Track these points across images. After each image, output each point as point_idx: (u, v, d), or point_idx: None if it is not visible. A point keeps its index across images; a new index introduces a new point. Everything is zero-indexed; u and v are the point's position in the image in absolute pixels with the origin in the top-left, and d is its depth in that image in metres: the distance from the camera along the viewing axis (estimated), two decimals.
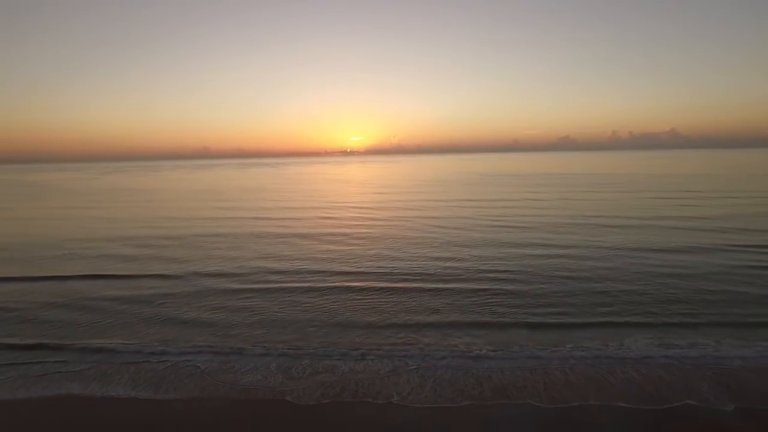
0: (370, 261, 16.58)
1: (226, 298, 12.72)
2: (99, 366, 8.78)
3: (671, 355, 8.62)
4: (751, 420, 6.58)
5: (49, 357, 9.21)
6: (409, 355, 8.97)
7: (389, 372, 8.29)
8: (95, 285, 14.19)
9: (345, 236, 21.35)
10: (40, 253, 18.91)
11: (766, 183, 47.66)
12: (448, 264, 15.92)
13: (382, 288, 13.32)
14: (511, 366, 8.36)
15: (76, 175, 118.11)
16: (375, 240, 20.39)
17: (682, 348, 8.95)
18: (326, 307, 11.85)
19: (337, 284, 13.79)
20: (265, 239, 20.98)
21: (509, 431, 6.58)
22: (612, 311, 11.20)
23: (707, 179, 54.19)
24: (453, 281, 13.88)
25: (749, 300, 11.80)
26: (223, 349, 9.40)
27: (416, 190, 49.35)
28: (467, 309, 11.55)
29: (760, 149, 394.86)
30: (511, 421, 6.78)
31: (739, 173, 65.38)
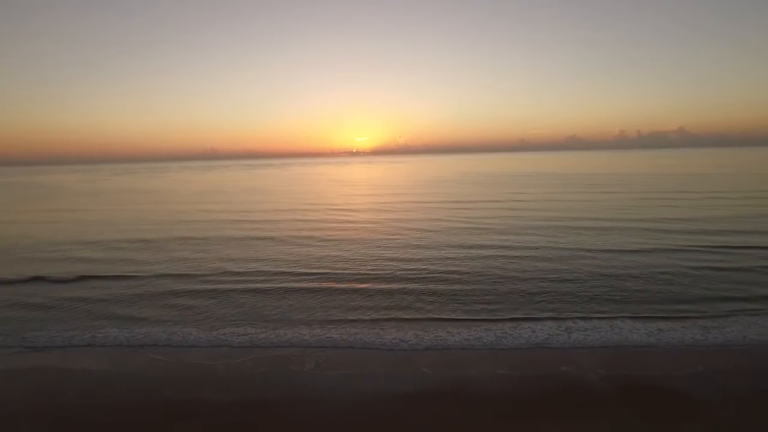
0: (324, 262, 16.85)
1: (168, 299, 13.17)
2: None
3: (569, 340, 9.83)
4: (612, 383, 7.92)
5: None
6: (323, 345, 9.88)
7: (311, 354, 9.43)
8: (38, 287, 14.76)
9: (311, 239, 21.49)
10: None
11: (761, 182, 46.91)
12: (397, 265, 16.25)
13: (322, 288, 13.80)
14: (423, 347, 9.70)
15: (83, 177, 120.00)
16: (338, 242, 20.55)
17: (583, 333, 10.18)
18: (261, 305, 12.47)
19: (279, 285, 14.19)
20: (233, 242, 21.21)
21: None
22: (537, 308, 11.83)
23: (704, 179, 53.63)
24: (392, 281, 14.32)
25: (668, 298, 12.24)
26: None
27: (405, 191, 49.46)
28: (394, 306, 12.18)
29: None
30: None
31: (739, 172, 64.64)
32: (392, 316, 11.48)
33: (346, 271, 15.56)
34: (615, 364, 8.64)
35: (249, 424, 6.95)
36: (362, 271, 15.50)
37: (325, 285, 14.09)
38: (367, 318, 11.37)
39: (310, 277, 14.92)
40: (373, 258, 17.36)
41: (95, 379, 8.60)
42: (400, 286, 13.76)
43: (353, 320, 11.25)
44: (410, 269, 15.63)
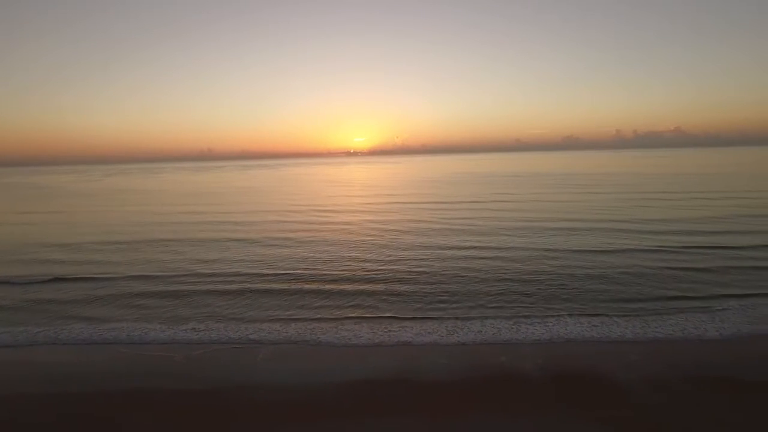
0: (294, 263, 17.05)
1: (134, 299, 13.47)
2: None
3: (515, 336, 10.26)
4: (546, 372, 8.42)
5: None
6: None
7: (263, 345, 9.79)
8: (6, 290, 14.84)
9: (287, 240, 21.69)
10: None
11: (746, 182, 47.22)
12: (364, 266, 16.48)
13: (288, 289, 14.05)
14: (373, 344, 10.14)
15: (77, 178, 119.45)
16: (312, 244, 20.76)
17: (529, 328, 10.64)
18: (225, 304, 12.81)
19: (246, 286, 14.44)
20: (209, 244, 21.34)
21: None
22: (491, 306, 12.22)
23: (690, 179, 54.10)
24: (356, 282, 14.57)
25: (620, 297, 12.59)
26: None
27: (391, 192, 49.72)
28: (354, 305, 12.52)
29: (765, 147, 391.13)
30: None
31: (727, 172, 65.12)
32: (350, 314, 11.80)
33: (315, 272, 15.75)
34: (554, 355, 9.14)
35: (201, 408, 7.45)
36: (330, 272, 15.70)
37: (291, 286, 14.31)
38: (326, 316, 11.69)
39: (278, 278, 15.15)
40: (343, 259, 17.58)
41: (57, 373, 8.95)
42: (363, 287, 14.01)
43: (312, 318, 11.58)
44: (377, 270, 15.86)
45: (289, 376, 8.50)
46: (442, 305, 12.33)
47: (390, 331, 10.63)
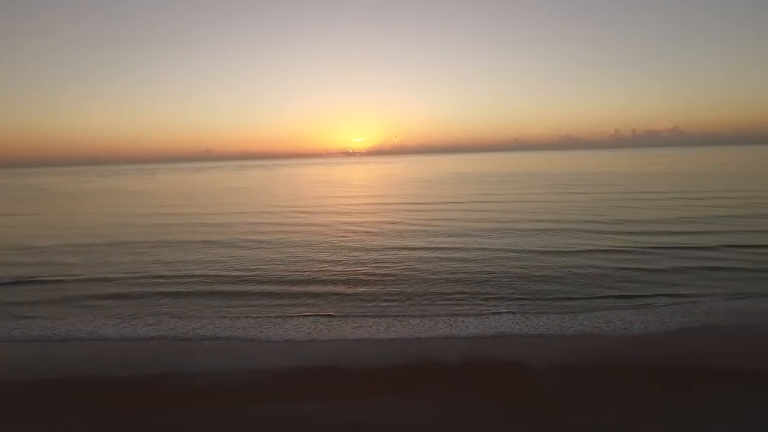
0: (257, 265, 17.14)
1: (91, 300, 13.62)
2: None
3: (448, 331, 10.65)
4: (464, 361, 9.04)
5: None
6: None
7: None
8: None
9: (257, 242, 21.79)
10: None
11: (734, 182, 47.24)
12: (326, 267, 16.61)
13: (245, 290, 14.17)
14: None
15: (71, 179, 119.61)
16: (281, 245, 20.80)
17: (463, 325, 11.05)
18: (179, 305, 13.02)
19: (203, 288, 14.53)
20: (177, 245, 21.39)
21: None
22: (436, 304, 12.49)
23: (679, 178, 54.49)
24: (313, 283, 14.70)
25: (561, 296, 12.83)
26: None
27: (376, 192, 50.04)
28: (305, 304, 12.80)
29: (763, 146, 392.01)
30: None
31: (718, 171, 65.24)
32: (296, 313, 12.05)
33: (272, 273, 15.84)
34: (479, 347, 9.70)
35: (144, 392, 8.15)
36: (288, 273, 15.79)
37: (246, 287, 14.47)
38: (273, 315, 11.97)
39: (236, 279, 15.29)
40: (305, 260, 17.65)
41: (7, 367, 9.46)
42: (316, 288, 14.16)
43: (259, 316, 11.87)
44: (335, 271, 15.99)
45: (229, 366, 9.07)
46: (387, 304, 12.58)
47: (331, 327, 10.96)
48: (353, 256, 17.95)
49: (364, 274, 15.49)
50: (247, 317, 11.81)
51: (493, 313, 11.59)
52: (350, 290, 13.78)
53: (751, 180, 49.15)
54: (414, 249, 18.97)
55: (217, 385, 8.31)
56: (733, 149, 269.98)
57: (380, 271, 15.69)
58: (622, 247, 18.22)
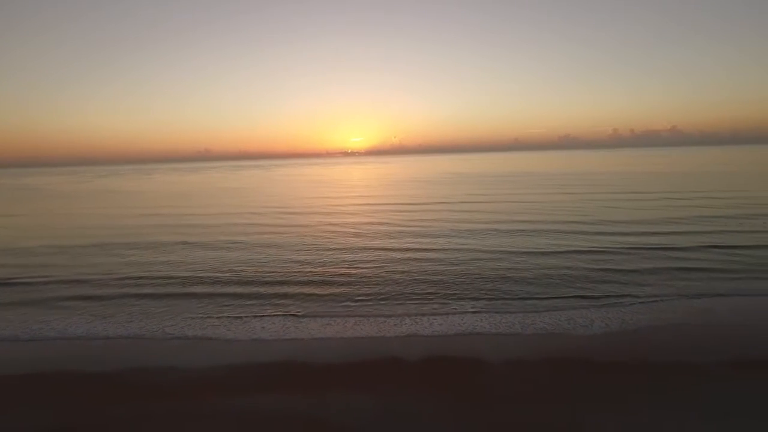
0: (225, 266, 17.14)
1: (61, 302, 13.63)
2: None
3: (409, 329, 10.90)
4: (421, 358, 9.26)
5: None
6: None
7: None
8: None
9: (236, 243, 21.75)
10: None
11: (729, 181, 47.32)
12: (299, 268, 16.61)
13: (215, 292, 14.16)
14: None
15: (66, 180, 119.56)
16: (255, 246, 20.73)
17: (427, 324, 11.21)
18: (146, 307, 13.05)
19: (165, 290, 14.49)
20: (153, 248, 21.22)
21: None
22: (399, 305, 12.58)
23: (672, 178, 54.53)
24: (282, 284, 14.68)
25: (527, 296, 12.90)
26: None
27: (366, 192, 50.10)
28: (273, 305, 12.92)
29: (761, 146, 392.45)
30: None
31: (715, 171, 65.37)
32: (264, 313, 12.16)
33: (246, 275, 15.86)
34: (440, 345, 9.87)
35: (111, 386, 8.49)
36: (262, 274, 15.82)
37: (218, 288, 14.49)
38: (242, 315, 12.11)
39: (209, 280, 15.32)
40: (281, 261, 17.68)
41: None
42: (287, 289, 14.17)
43: (229, 316, 12.00)
44: (309, 272, 16.01)
45: (195, 364, 9.32)
46: (356, 304, 12.69)
47: (299, 327, 11.14)
48: (331, 257, 18.00)
49: (338, 274, 15.56)
50: (217, 317, 11.94)
51: (459, 312, 11.72)
52: (321, 291, 13.84)
53: (741, 180, 49.21)
54: (393, 250, 19.00)
55: (182, 381, 8.58)
56: (730, 149, 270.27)
57: (355, 272, 15.77)
58: (601, 247, 18.26)
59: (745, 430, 6.63)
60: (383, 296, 13.25)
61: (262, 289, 14.18)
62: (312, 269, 16.32)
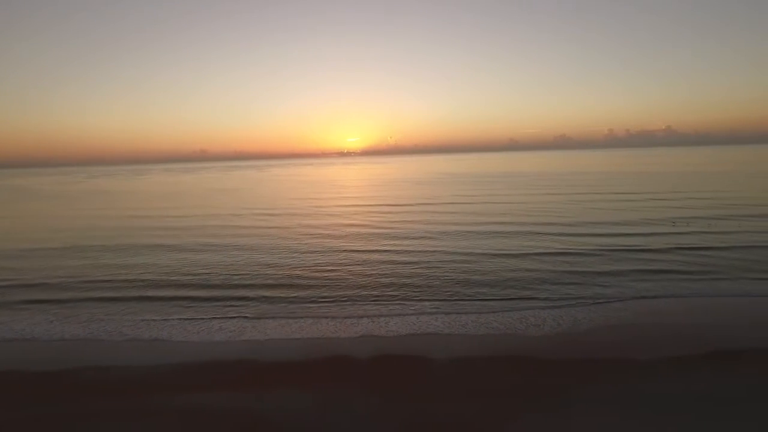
0: (190, 269, 17.06)
1: (26, 305, 13.67)
2: None
3: (366, 331, 10.94)
4: (370, 356, 9.44)
5: None
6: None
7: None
8: None
9: (203, 245, 21.60)
10: None
11: (712, 182, 47.39)
12: (258, 270, 16.56)
13: (176, 295, 14.06)
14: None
15: (58, 180, 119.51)
16: (225, 249, 20.60)
17: (376, 325, 10.44)
18: (101, 308, 13.13)
19: (125, 293, 14.41)
20: (124, 250, 21.05)
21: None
22: (362, 305, 12.68)
23: (662, 178, 55.19)
24: (246, 287, 14.59)
25: (481, 297, 12.95)
26: None
27: (351, 193, 50.35)
28: (226, 307, 12.94)
29: (755, 146, 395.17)
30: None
31: (705, 171, 65.79)
32: (224, 315, 12.20)
33: (209, 278, 15.75)
34: (390, 345, 10.00)
35: (58, 383, 8.65)
36: (229, 277, 15.76)
37: (179, 291, 14.37)
38: (197, 317, 12.12)
39: (170, 283, 15.23)
40: (247, 264, 17.56)
41: None
42: (251, 292, 14.08)
43: (184, 318, 12.04)
44: (276, 274, 15.90)
45: (146, 363, 9.44)
46: (315, 305, 12.73)
47: (256, 328, 11.21)
48: (299, 260, 17.90)
49: (304, 277, 15.50)
50: (176, 318, 12.01)
51: (415, 313, 11.79)
52: (283, 293, 13.78)
53: (728, 180, 49.41)
54: (363, 252, 18.93)
55: (132, 379, 8.72)
56: (724, 149, 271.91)
57: (320, 275, 15.71)
58: (573, 249, 18.22)
59: (675, 425, 6.66)
60: (344, 298, 13.25)
61: (224, 292, 14.11)
62: (278, 272, 16.25)
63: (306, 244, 20.99)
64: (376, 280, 14.85)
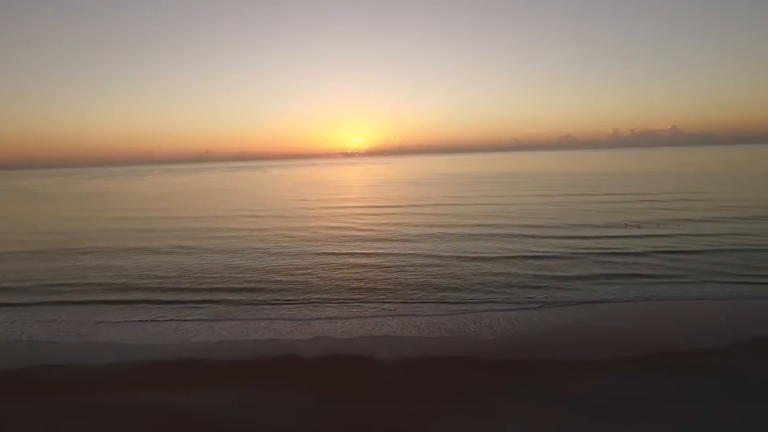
0: (160, 272, 16.96)
1: None
2: None
3: (318, 332, 11.05)
4: (319, 356, 9.59)
5: None
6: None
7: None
8: None
9: (180, 248, 21.40)
10: None
11: (706, 182, 46.91)
12: (228, 274, 16.48)
13: (129, 299, 14.06)
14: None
15: (56, 181, 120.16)
16: (201, 252, 20.46)
17: (333, 327, 10.57)
18: (60, 311, 13.19)
19: (86, 296, 14.41)
20: (99, 253, 20.95)
21: None
22: (321, 308, 12.69)
23: (660, 179, 54.84)
24: (203, 291, 14.57)
25: (442, 301, 12.93)
26: None
27: (344, 194, 50.17)
28: (189, 308, 13.03)
29: (761, 145, 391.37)
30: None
31: (705, 171, 65.29)
32: (181, 317, 12.28)
33: (180, 281, 15.72)
34: (339, 346, 10.12)
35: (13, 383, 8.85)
36: (194, 280, 15.70)
37: (143, 295, 14.33)
38: (159, 318, 12.25)
39: (137, 287, 15.18)
40: (219, 267, 17.38)
41: None
42: (212, 295, 14.04)
43: (145, 320, 12.13)
44: (242, 277, 15.84)
45: (94, 364, 9.54)
46: (273, 308, 12.75)
47: (212, 330, 11.28)
48: (271, 263, 17.83)
49: (271, 280, 15.42)
50: (133, 321, 12.06)
51: (372, 316, 11.81)
52: (246, 296, 13.77)
53: (723, 181, 48.85)
54: (336, 255, 18.85)
55: (80, 378, 8.88)
56: (730, 149, 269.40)
57: (287, 278, 15.64)
58: (548, 252, 18.02)
59: (612, 422, 6.72)
60: (305, 301, 13.23)
61: (189, 295, 14.08)
62: (246, 275, 16.19)
63: (281, 246, 20.88)
64: (341, 283, 14.79)
